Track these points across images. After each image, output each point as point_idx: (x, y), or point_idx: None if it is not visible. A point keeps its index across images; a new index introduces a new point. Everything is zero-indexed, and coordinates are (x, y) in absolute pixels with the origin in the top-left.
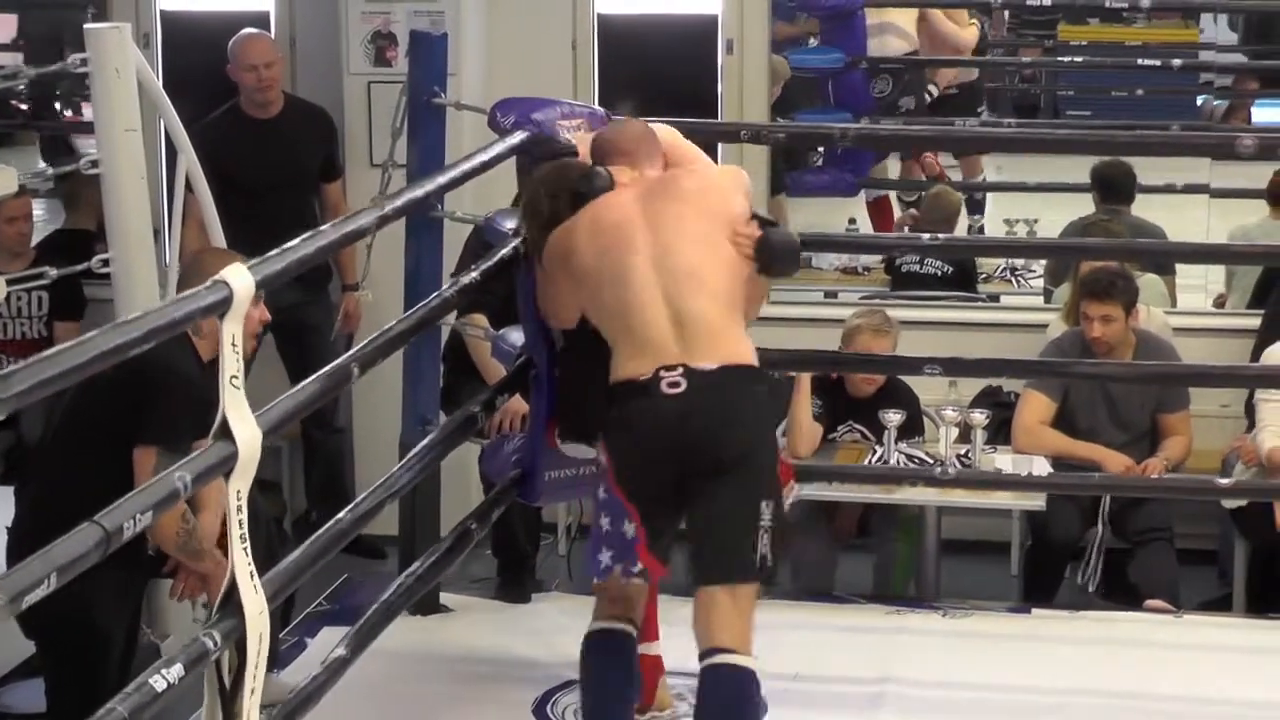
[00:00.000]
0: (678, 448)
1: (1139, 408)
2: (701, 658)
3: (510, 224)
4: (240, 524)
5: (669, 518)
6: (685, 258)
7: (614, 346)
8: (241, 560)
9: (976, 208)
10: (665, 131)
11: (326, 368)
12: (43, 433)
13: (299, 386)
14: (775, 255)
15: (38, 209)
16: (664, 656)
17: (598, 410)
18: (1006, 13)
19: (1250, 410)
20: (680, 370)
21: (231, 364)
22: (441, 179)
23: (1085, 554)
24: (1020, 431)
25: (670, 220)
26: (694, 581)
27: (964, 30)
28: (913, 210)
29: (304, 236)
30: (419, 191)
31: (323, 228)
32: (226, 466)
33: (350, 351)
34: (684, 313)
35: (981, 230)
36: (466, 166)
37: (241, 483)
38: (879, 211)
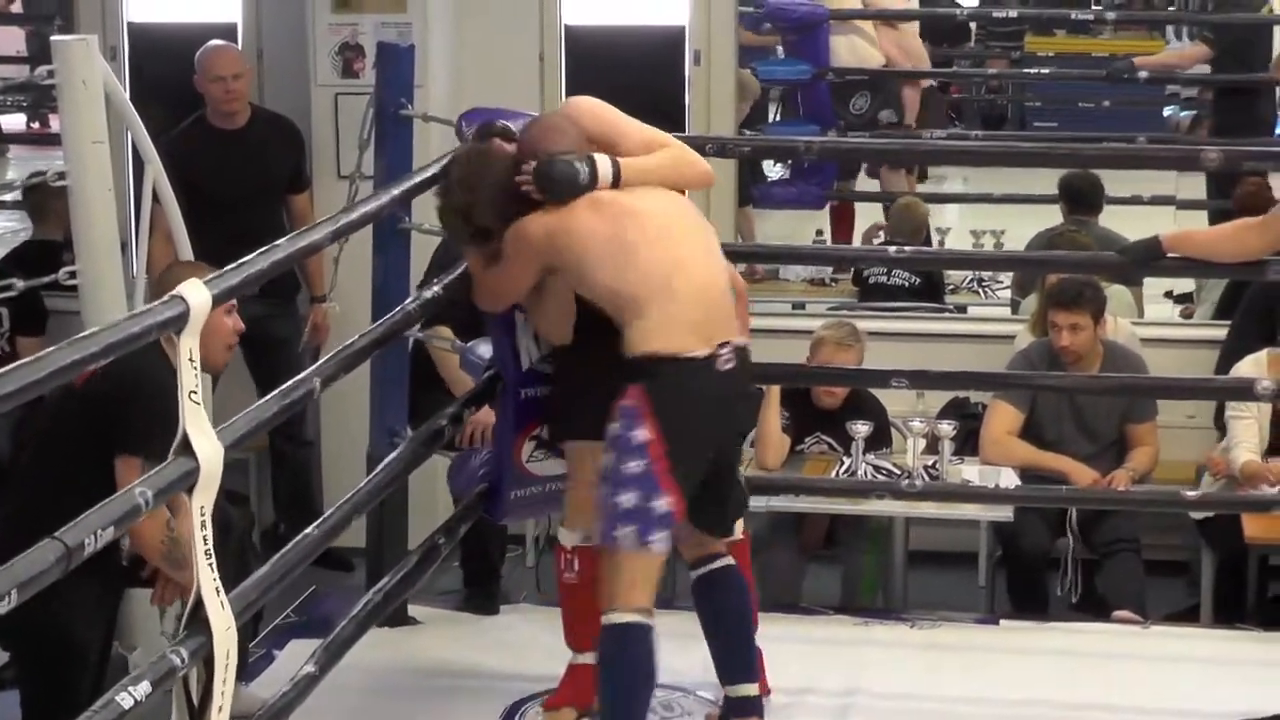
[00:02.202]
0: (729, 420)
1: (1106, 418)
2: (697, 565)
3: None
4: (205, 539)
5: (694, 489)
6: (688, 231)
7: (639, 316)
8: (207, 576)
9: None
10: (586, 106)
11: (288, 384)
12: (14, 448)
13: (260, 402)
14: (552, 181)
15: (10, 220)
16: None
17: (597, 409)
18: (974, 24)
19: (1220, 422)
20: (730, 347)
21: (189, 379)
22: (395, 191)
23: (1060, 565)
24: (988, 443)
25: (652, 194)
26: (698, 528)
27: None
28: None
29: (259, 251)
30: (372, 205)
31: (278, 242)
32: (188, 482)
33: (313, 366)
34: (713, 286)
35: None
36: (424, 178)
37: (205, 498)
38: (840, 219)
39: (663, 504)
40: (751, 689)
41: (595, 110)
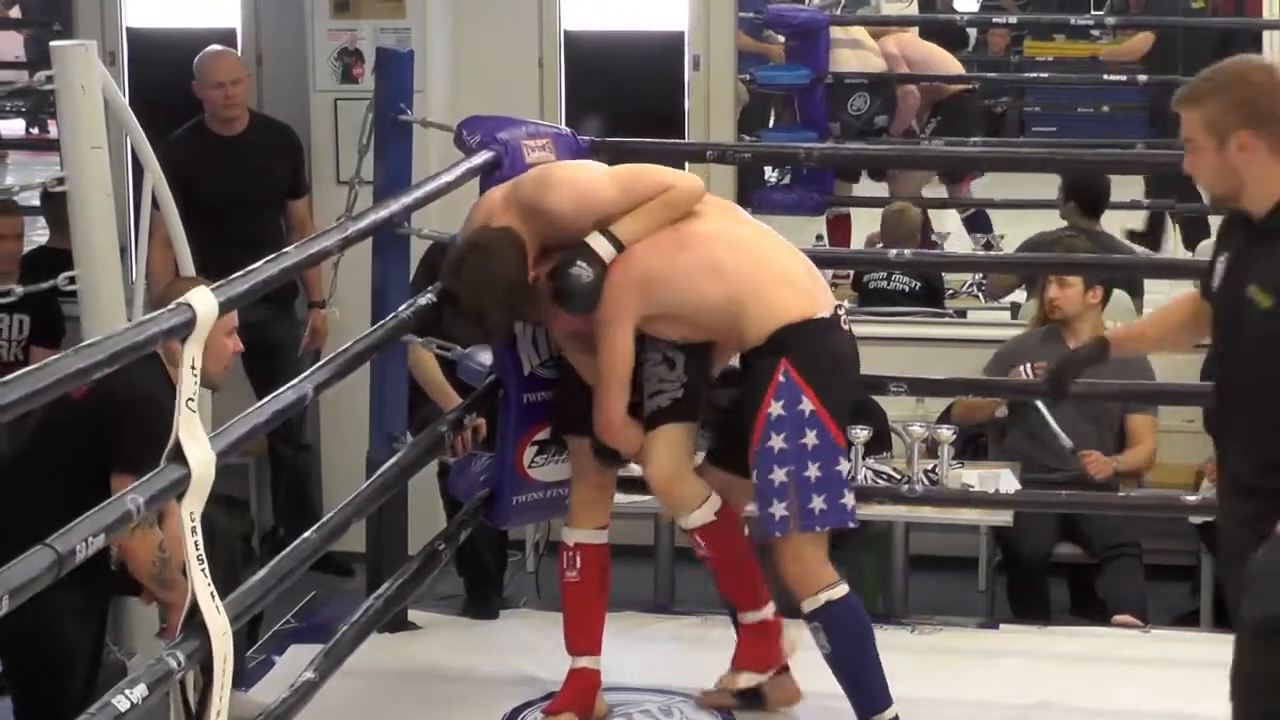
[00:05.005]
0: (859, 378)
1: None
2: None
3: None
4: (196, 545)
5: None
6: (742, 220)
7: (757, 304)
8: (201, 581)
9: (983, 225)
10: (566, 191)
11: (282, 389)
12: (7, 454)
13: (253, 408)
14: (569, 297)
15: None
16: (631, 671)
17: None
18: (974, 31)
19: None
20: (843, 307)
21: (189, 386)
22: (406, 199)
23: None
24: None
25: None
26: None
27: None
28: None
29: (268, 258)
30: (383, 212)
31: (287, 249)
32: (179, 489)
33: (306, 372)
34: (798, 255)
35: (988, 247)
36: (431, 187)
37: (194, 504)
38: (838, 229)
39: (844, 466)
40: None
41: (573, 190)
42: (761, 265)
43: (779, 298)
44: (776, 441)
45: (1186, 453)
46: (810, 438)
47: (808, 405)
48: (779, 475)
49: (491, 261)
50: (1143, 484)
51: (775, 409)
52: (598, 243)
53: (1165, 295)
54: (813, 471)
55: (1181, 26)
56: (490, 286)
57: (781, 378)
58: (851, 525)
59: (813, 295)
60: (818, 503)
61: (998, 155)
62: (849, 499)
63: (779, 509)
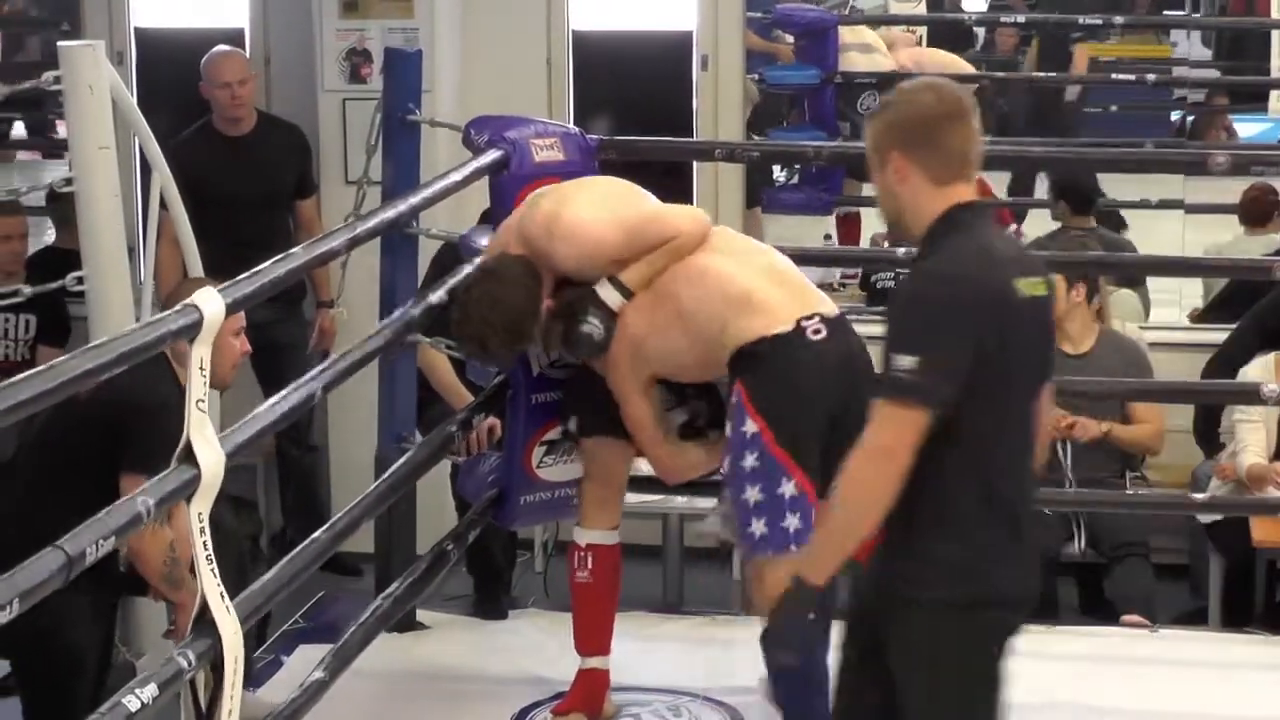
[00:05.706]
0: (835, 387)
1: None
2: None
3: (483, 241)
4: (205, 545)
5: (818, 464)
6: (717, 242)
7: (722, 336)
8: (210, 581)
9: None
10: (570, 247)
11: (289, 389)
12: (15, 454)
13: (262, 408)
14: (579, 348)
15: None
16: (640, 671)
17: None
18: (982, 30)
19: (1202, 435)
20: (817, 318)
21: (198, 387)
22: (414, 199)
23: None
24: None
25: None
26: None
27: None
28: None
29: (275, 259)
30: (390, 213)
31: (294, 249)
32: (188, 490)
33: (312, 372)
34: (782, 271)
35: None
36: (439, 186)
37: (203, 505)
38: (847, 228)
39: (790, 488)
40: None
41: (578, 243)
42: (721, 289)
43: (735, 324)
44: (724, 461)
45: (1192, 452)
46: (749, 460)
47: (751, 427)
48: (752, 494)
49: (501, 290)
50: (1150, 484)
51: (727, 429)
52: (607, 293)
53: (1174, 291)
54: (752, 495)
55: (1190, 27)
56: (495, 311)
57: (735, 399)
58: (792, 550)
59: (768, 312)
60: (758, 526)
61: (1006, 154)
62: (791, 521)
63: (759, 527)
